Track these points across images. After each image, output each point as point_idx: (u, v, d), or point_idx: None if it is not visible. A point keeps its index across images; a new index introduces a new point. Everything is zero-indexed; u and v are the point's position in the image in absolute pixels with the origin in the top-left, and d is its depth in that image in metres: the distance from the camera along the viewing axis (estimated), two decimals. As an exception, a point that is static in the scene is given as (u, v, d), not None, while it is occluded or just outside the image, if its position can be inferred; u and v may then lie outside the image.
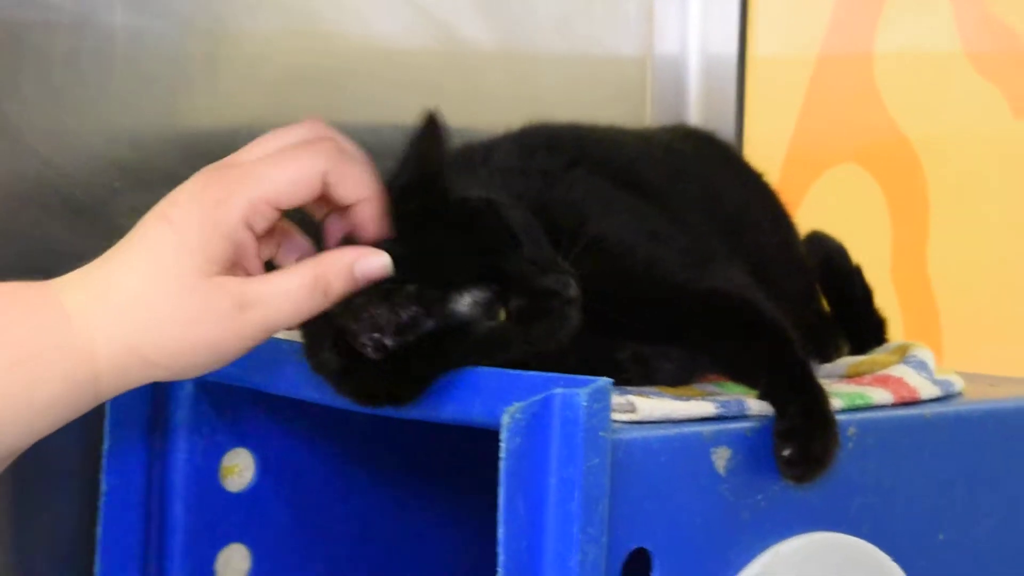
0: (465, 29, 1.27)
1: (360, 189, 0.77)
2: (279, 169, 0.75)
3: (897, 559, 0.85)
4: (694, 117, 1.42)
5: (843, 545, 0.83)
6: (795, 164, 1.47)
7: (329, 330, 0.76)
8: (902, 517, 0.86)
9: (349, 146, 0.78)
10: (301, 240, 0.80)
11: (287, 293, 0.74)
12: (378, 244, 0.77)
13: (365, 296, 0.74)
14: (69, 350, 0.72)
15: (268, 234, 0.77)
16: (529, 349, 0.77)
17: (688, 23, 1.42)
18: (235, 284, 0.73)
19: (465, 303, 0.76)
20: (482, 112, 1.26)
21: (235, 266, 0.74)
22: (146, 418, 0.96)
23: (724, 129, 1.40)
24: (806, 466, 0.79)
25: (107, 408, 0.94)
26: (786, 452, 0.78)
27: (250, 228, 0.74)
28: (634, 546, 0.74)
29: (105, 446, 0.95)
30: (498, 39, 1.29)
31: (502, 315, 0.77)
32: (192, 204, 0.73)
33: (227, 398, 0.96)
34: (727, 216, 1.01)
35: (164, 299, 0.72)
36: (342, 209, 0.78)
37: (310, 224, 0.81)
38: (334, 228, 0.79)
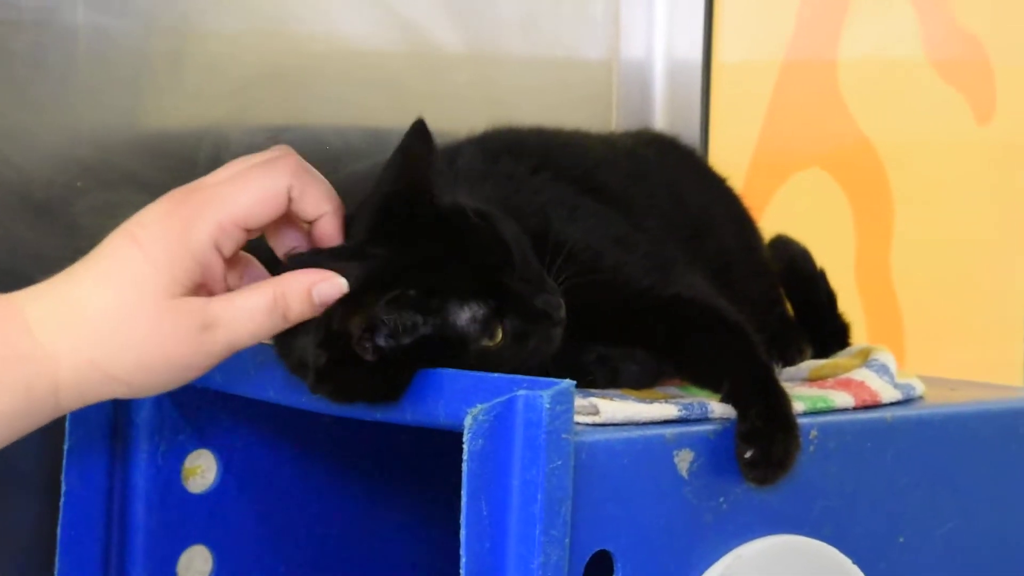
0: (432, 31, 1.27)
1: (322, 203, 0.78)
2: (244, 188, 0.76)
3: (858, 562, 0.85)
4: (660, 122, 1.42)
5: (805, 548, 0.83)
6: (760, 169, 1.47)
7: (318, 327, 0.76)
8: (863, 520, 0.86)
9: (312, 168, 0.79)
10: (262, 271, 0.80)
11: (249, 313, 0.75)
12: (373, 250, 0.77)
13: (370, 299, 0.74)
14: (30, 361, 0.72)
15: (232, 264, 0.78)
16: (516, 367, 0.77)
17: (654, 28, 1.42)
18: (198, 304, 0.74)
19: (464, 317, 0.77)
20: (448, 114, 1.26)
21: (200, 288, 0.75)
22: (108, 418, 0.95)
23: (689, 134, 1.40)
24: (768, 468, 0.79)
25: (68, 408, 0.94)
26: (748, 454, 0.78)
27: (218, 250, 0.75)
28: (597, 548, 0.74)
29: (66, 446, 0.94)
30: (465, 42, 1.29)
31: (499, 335, 0.77)
32: (160, 226, 0.74)
33: (190, 400, 0.96)
34: (690, 220, 1.01)
35: (128, 318, 0.73)
36: (300, 226, 0.79)
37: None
38: (288, 239, 0.80)
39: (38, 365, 0.72)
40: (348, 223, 0.80)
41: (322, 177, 0.79)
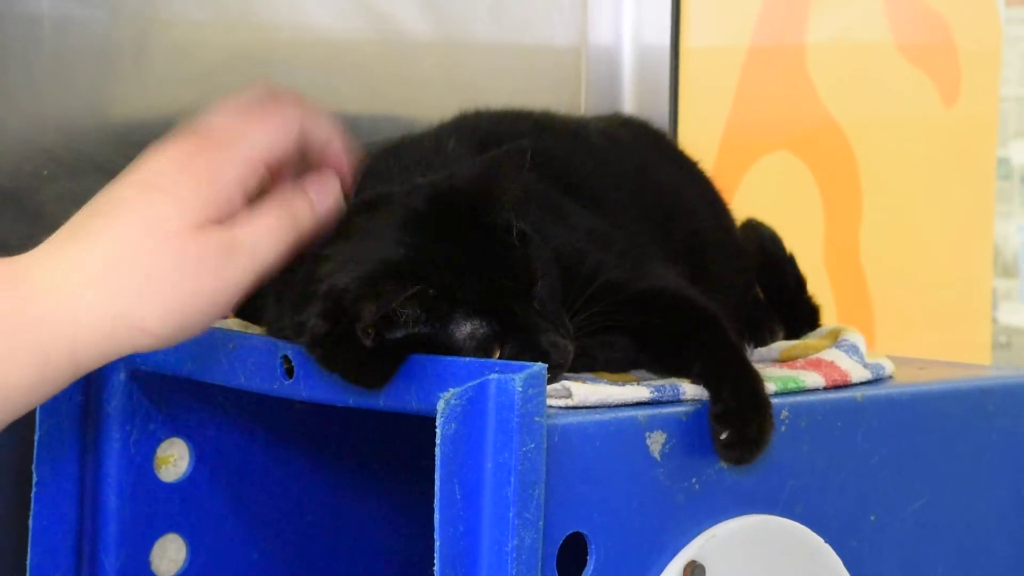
0: (400, 17, 1.26)
1: (330, 130, 0.80)
2: (262, 126, 0.76)
3: (829, 540, 0.86)
4: (628, 106, 1.43)
5: (777, 527, 0.84)
6: (729, 152, 1.48)
7: (327, 297, 0.76)
8: (834, 499, 0.87)
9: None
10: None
11: (268, 231, 0.75)
12: (408, 236, 0.78)
13: (389, 289, 0.74)
14: (43, 325, 0.69)
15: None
16: None
17: (622, 13, 1.43)
18: (220, 231, 0.73)
19: (464, 331, 0.77)
20: (416, 100, 1.26)
21: (221, 225, 0.74)
22: (78, 408, 0.95)
23: (658, 119, 1.41)
24: (743, 448, 0.79)
25: (38, 397, 0.93)
26: (723, 436, 0.79)
27: (242, 187, 0.75)
28: (570, 530, 0.74)
29: (37, 436, 0.94)
30: (433, 28, 1.29)
31: (496, 354, 0.77)
32: (183, 170, 0.73)
33: (161, 388, 0.95)
34: (663, 204, 1.01)
35: (156, 256, 0.71)
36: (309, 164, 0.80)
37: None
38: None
39: (52, 329, 0.70)
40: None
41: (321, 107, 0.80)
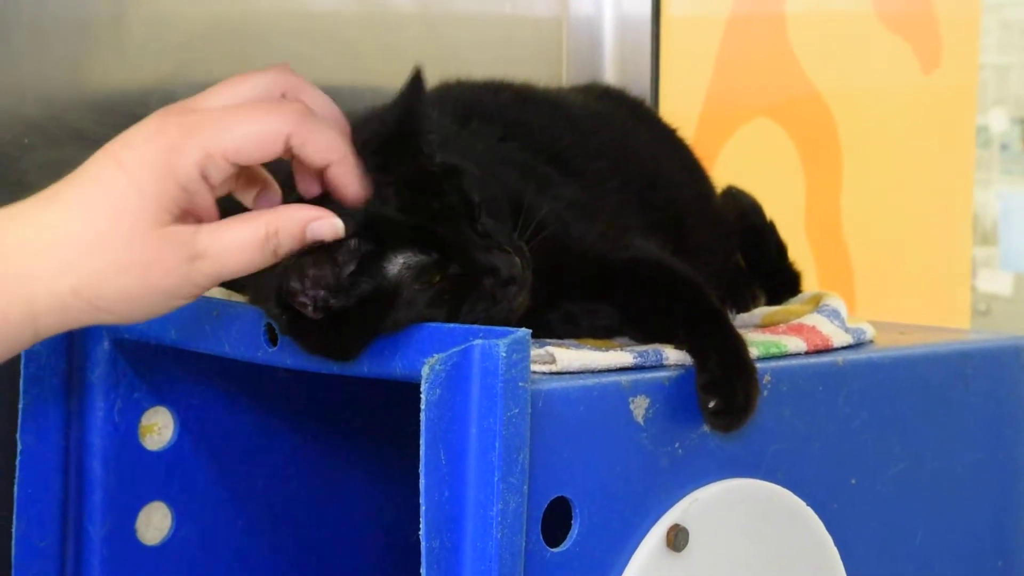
0: (382, -13, 1.26)
1: (327, 154, 0.75)
2: (240, 124, 0.72)
3: (811, 503, 0.87)
4: (610, 76, 1.43)
5: (759, 491, 0.84)
6: (710, 121, 1.48)
7: (275, 285, 0.76)
8: (816, 463, 0.88)
9: (321, 103, 0.77)
10: (277, 195, 0.78)
11: (239, 246, 0.73)
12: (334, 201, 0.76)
13: (307, 254, 0.74)
14: (3, 288, 0.70)
15: (248, 183, 0.76)
16: (462, 322, 0.76)
17: (603, -17, 1.42)
18: (186, 235, 0.72)
19: (396, 264, 0.76)
20: (399, 71, 1.25)
21: (187, 214, 0.73)
22: (63, 376, 0.94)
23: (639, 88, 1.41)
24: (731, 416, 0.80)
25: (22, 365, 0.93)
26: (712, 404, 0.79)
27: (205, 178, 0.72)
28: (555, 495, 0.75)
29: (21, 404, 0.93)
30: (415, -2, 1.29)
31: (436, 279, 0.77)
32: (147, 148, 0.71)
33: (145, 356, 0.95)
34: (643, 172, 1.02)
35: (115, 248, 0.71)
36: (314, 170, 0.76)
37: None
38: (306, 183, 0.77)
39: (11, 287, 0.70)
40: None
41: (332, 119, 0.76)
